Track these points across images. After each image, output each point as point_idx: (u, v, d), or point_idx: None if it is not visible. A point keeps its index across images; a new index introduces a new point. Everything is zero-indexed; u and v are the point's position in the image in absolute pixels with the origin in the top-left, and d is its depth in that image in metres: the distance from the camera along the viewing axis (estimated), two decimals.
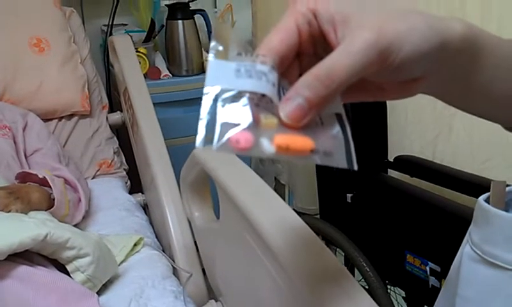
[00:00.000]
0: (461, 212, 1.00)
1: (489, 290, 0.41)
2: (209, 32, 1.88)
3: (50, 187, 1.02)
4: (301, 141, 0.31)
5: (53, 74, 1.40)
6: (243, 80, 0.32)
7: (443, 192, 1.13)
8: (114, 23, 1.73)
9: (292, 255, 0.53)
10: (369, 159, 1.23)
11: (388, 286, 1.24)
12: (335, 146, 0.32)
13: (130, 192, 1.42)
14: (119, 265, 0.97)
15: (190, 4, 1.80)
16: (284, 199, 0.88)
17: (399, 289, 1.25)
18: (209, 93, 0.31)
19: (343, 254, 1.22)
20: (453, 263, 0.47)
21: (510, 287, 0.40)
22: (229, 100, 0.31)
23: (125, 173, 1.51)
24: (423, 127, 1.30)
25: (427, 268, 1.06)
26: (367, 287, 1.09)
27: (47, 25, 1.44)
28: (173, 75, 1.82)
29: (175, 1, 1.81)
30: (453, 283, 0.46)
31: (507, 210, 0.41)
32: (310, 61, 0.34)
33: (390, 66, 0.31)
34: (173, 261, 1.01)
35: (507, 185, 0.42)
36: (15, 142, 1.18)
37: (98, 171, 1.44)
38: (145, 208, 1.39)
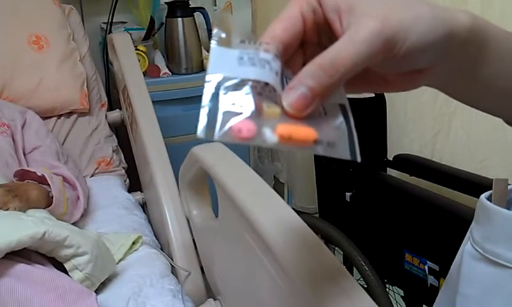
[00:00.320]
0: (460, 211, 1.00)
1: (490, 288, 0.41)
2: (209, 30, 1.87)
3: (48, 184, 1.02)
4: (304, 131, 0.30)
5: (52, 72, 1.40)
6: (246, 68, 0.31)
7: (442, 191, 1.13)
8: (114, 21, 1.73)
9: (291, 254, 0.53)
10: (368, 158, 1.22)
11: (387, 285, 1.24)
12: (338, 137, 0.31)
13: (129, 191, 1.42)
14: (117, 264, 0.96)
15: (190, 1, 1.80)
16: (283, 198, 0.88)
17: (397, 288, 1.25)
18: (211, 80, 0.31)
19: (341, 253, 1.22)
20: (454, 261, 0.47)
21: (511, 285, 0.40)
22: (231, 88, 0.31)
23: (123, 171, 1.50)
24: (422, 125, 1.30)
25: (426, 267, 1.06)
26: (365, 286, 1.09)
27: (46, 22, 1.44)
28: (173, 73, 1.81)
29: None
30: (454, 280, 0.46)
31: (508, 208, 0.40)
32: (314, 50, 0.33)
33: (395, 55, 0.31)
34: (172, 259, 1.01)
35: (509, 184, 0.42)
36: (13, 140, 1.18)
37: (97, 169, 1.44)
38: (144, 206, 1.38)
